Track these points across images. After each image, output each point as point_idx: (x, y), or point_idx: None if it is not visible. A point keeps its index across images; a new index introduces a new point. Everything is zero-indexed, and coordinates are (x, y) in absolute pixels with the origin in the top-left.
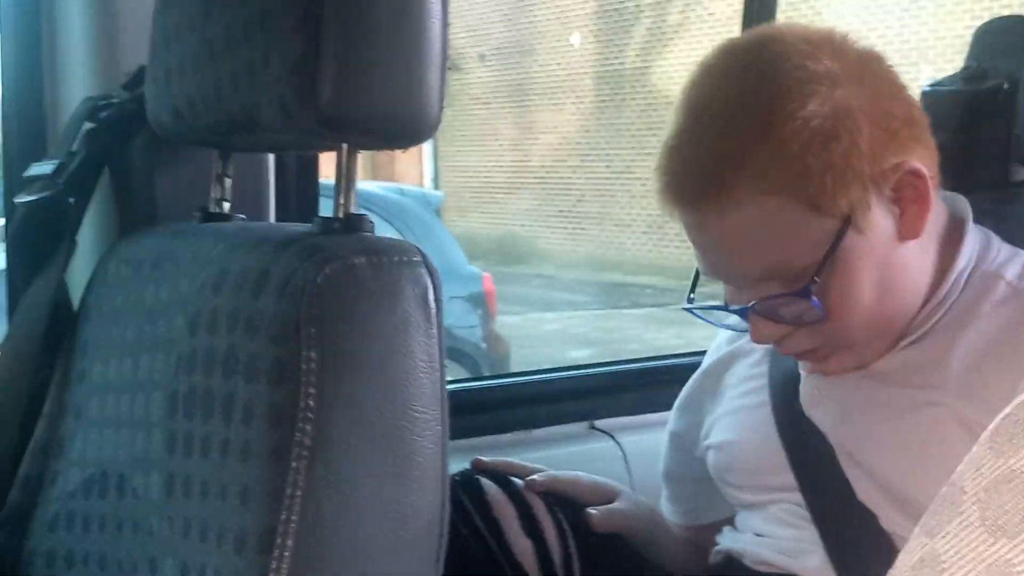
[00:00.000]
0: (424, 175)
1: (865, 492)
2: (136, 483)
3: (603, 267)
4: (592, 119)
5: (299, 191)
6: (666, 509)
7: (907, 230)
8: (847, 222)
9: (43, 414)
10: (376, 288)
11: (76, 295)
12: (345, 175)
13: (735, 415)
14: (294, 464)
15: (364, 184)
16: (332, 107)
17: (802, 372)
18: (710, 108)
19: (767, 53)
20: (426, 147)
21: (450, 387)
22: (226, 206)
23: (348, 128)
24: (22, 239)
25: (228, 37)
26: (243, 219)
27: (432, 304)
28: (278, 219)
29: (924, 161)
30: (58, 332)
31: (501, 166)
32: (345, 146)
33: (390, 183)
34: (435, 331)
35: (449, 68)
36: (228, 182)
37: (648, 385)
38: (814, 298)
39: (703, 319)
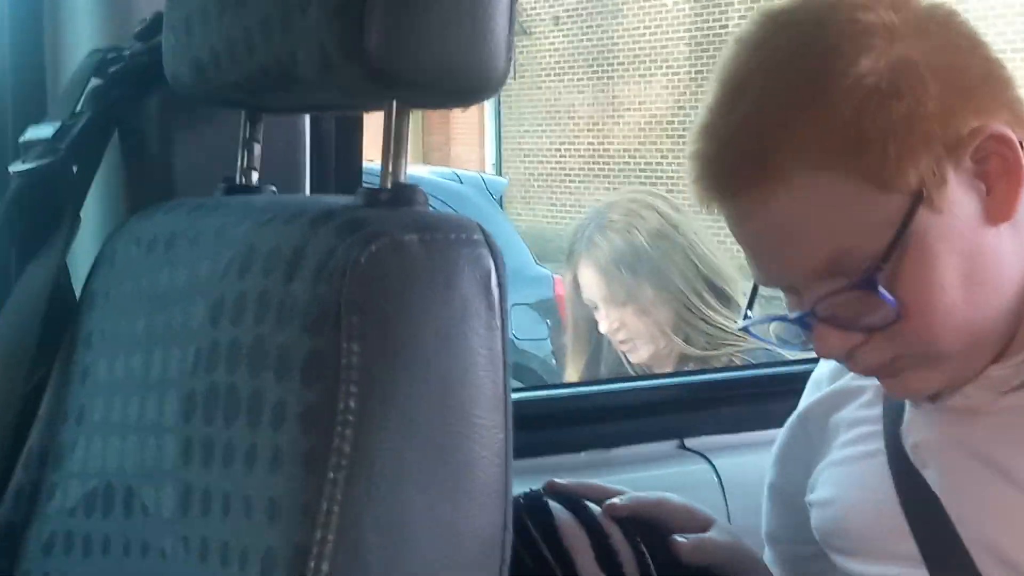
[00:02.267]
0: (485, 159)
1: (990, 574)
2: (146, 498)
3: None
4: (687, 94)
5: (340, 160)
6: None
7: (996, 210)
8: (918, 198)
9: (39, 417)
10: (429, 270)
11: (79, 281)
12: (394, 137)
13: (844, 467)
14: (331, 475)
15: (414, 169)
16: (381, 56)
17: (906, 416)
18: (746, 79)
19: (811, 8)
20: (488, 126)
21: (515, 397)
22: (254, 176)
23: (399, 81)
24: (17, 215)
25: None
26: (274, 191)
27: (495, 290)
28: (315, 192)
29: (1012, 127)
30: (58, 323)
31: (576, 149)
32: (395, 103)
33: (445, 168)
34: (498, 322)
35: (516, 34)
36: (257, 148)
37: (749, 399)
38: (883, 291)
39: (761, 340)
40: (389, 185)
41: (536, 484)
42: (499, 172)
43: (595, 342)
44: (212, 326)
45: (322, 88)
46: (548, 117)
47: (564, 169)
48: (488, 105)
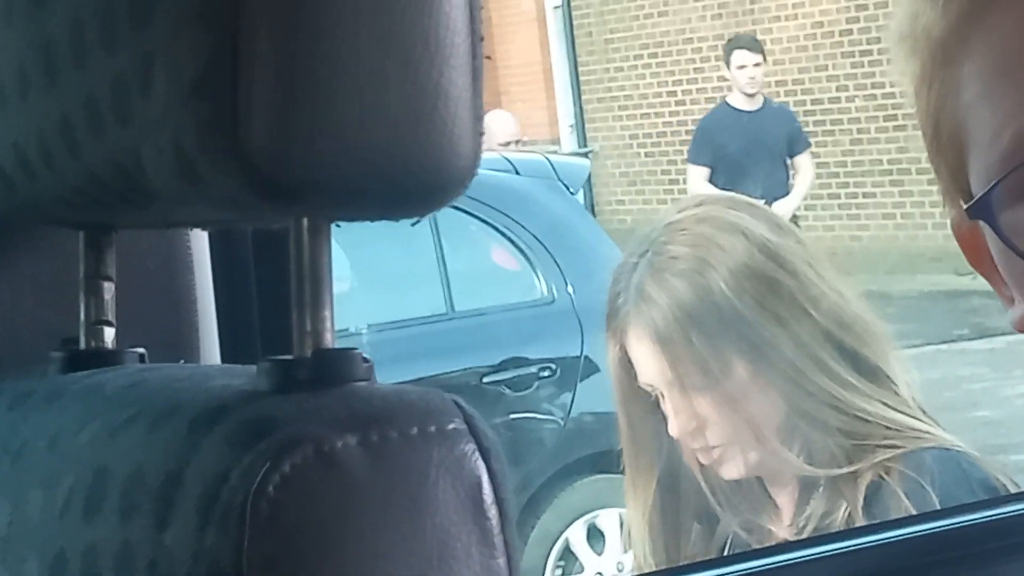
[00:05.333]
0: (558, 121)
1: None
2: None
3: (904, 266)
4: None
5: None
6: None
7: None
8: None
9: None
10: (382, 492)
11: None
12: (310, 269)
13: None
14: None
15: None
16: (268, 155)
17: None
18: None
19: None
20: (559, 71)
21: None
22: (108, 335)
23: (302, 190)
24: None
25: (76, 36)
26: (141, 357)
27: (491, 509)
28: (229, 350)
29: None
30: None
31: (702, 90)
32: (305, 221)
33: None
34: (501, 560)
35: None
36: (109, 290)
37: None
38: None
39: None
40: (308, 351)
41: None
42: (581, 140)
43: (667, 452)
44: None
45: (185, 202)
46: (655, 46)
47: (686, 122)
48: (556, 37)
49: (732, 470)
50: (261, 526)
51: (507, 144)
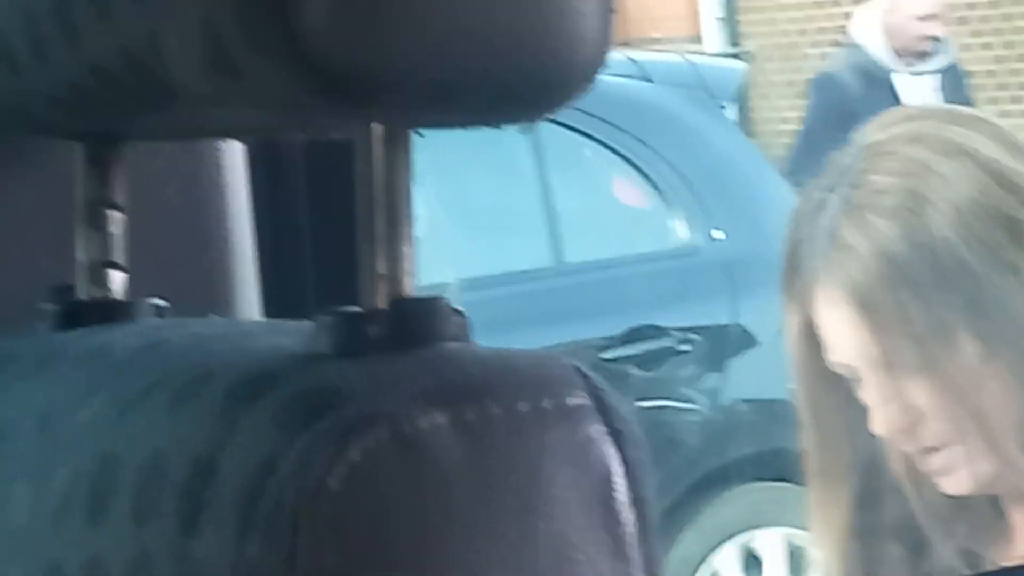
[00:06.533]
0: (701, 15)
1: None
2: None
3: None
4: None
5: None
6: None
7: None
8: None
9: None
10: (479, 490)
11: None
12: (385, 197)
13: None
14: None
15: None
16: (330, 42)
17: None
18: None
19: None
20: None
21: None
22: (115, 280)
23: (374, 89)
24: None
25: None
26: (157, 312)
27: (624, 510)
28: (275, 304)
29: None
30: None
31: None
32: (378, 127)
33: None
34: (638, 570)
35: None
36: (117, 221)
37: None
38: None
39: None
40: (383, 301)
41: None
42: (732, 36)
43: (867, 454)
44: None
45: (217, 103)
46: None
47: None
48: None
49: (958, 483)
50: (319, 532)
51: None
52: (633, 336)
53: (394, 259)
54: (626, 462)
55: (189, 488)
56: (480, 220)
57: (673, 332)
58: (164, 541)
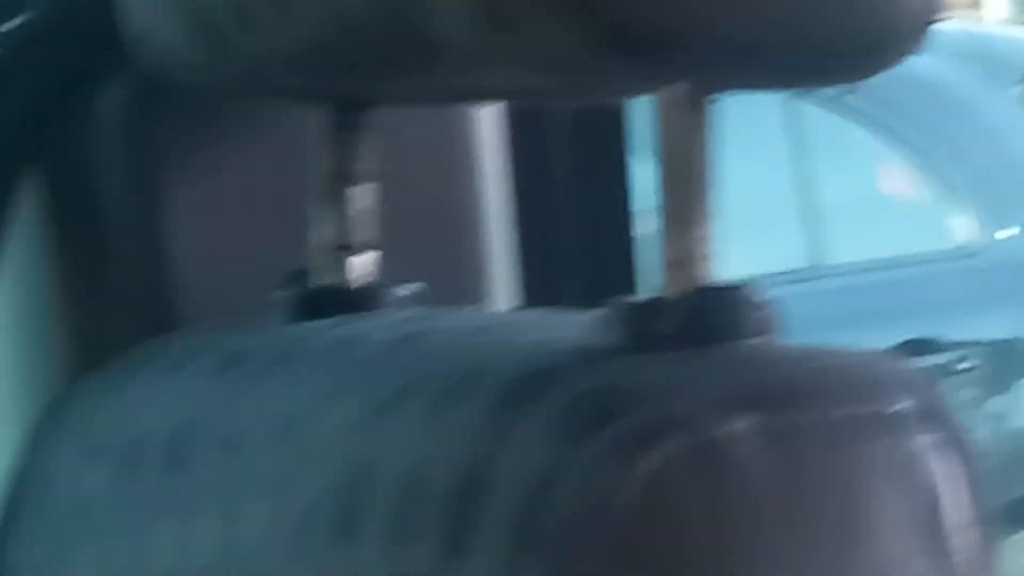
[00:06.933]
0: None
1: None
2: None
3: None
4: None
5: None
6: None
7: None
8: None
9: None
10: (791, 506)
11: None
12: (684, 169)
13: None
14: None
15: None
16: None
17: None
18: None
19: None
20: None
21: None
22: (363, 265)
23: (677, 42)
24: None
25: None
26: (412, 299)
27: (958, 535)
28: (533, 285)
29: None
30: None
31: None
32: (678, 90)
33: None
34: None
35: None
36: (365, 195)
37: None
38: None
39: None
40: (679, 288)
41: None
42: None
43: None
44: None
45: (486, 62)
46: None
47: None
48: None
49: None
50: (605, 556)
51: None
52: (903, 351)
53: (691, 241)
54: (958, 478)
55: (455, 505)
56: (728, 214)
57: (951, 347)
58: (426, 565)
